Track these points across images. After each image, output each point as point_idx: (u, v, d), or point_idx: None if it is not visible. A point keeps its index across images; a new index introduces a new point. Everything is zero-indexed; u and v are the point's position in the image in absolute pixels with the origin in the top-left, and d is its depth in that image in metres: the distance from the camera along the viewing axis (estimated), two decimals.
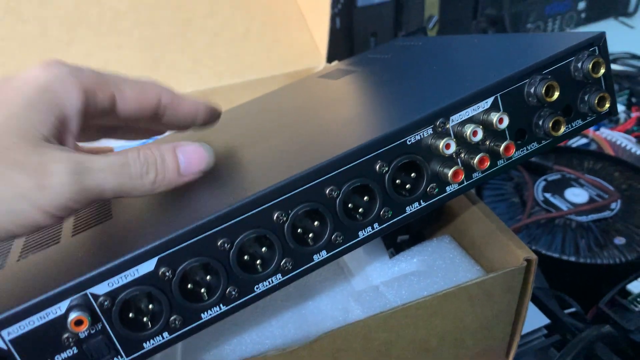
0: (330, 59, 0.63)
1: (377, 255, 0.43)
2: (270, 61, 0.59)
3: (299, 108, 0.40)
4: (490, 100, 0.30)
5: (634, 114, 0.79)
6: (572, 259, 0.57)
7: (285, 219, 0.27)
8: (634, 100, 0.83)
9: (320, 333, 0.33)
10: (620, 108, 0.80)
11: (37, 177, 0.24)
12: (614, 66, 0.89)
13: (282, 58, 0.59)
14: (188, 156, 0.29)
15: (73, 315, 0.24)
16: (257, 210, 0.27)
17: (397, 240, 0.45)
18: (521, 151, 0.31)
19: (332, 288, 0.42)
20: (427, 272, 0.39)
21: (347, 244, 0.29)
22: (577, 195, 0.64)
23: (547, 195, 0.65)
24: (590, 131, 0.75)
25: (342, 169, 0.28)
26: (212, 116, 0.36)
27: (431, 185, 0.30)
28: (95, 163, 0.26)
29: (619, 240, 0.59)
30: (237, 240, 0.26)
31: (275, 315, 0.41)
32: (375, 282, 0.41)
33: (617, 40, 1.02)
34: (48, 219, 0.25)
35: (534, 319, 0.45)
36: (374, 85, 0.40)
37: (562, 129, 0.31)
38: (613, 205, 0.62)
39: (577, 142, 0.76)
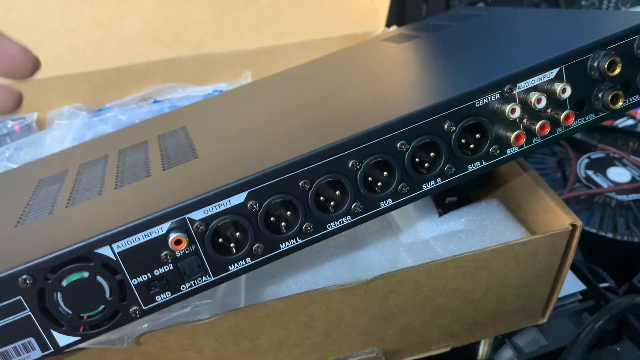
0: (389, 24, 0.65)
1: (426, 212, 0.45)
2: (331, 23, 0.61)
3: (367, 69, 0.42)
4: (555, 71, 0.32)
5: None
6: (610, 235, 0.59)
7: (359, 167, 0.30)
8: None
9: (368, 278, 0.36)
10: None
11: None
12: None
13: (342, 20, 0.61)
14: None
15: (174, 235, 0.28)
16: (335, 156, 0.29)
17: (445, 201, 0.48)
18: (579, 121, 0.33)
19: (381, 240, 0.46)
20: (475, 231, 0.42)
21: (412, 195, 0.32)
22: (619, 174, 0.66)
23: (589, 172, 0.66)
24: (638, 112, 0.76)
25: (414, 125, 0.30)
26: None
27: (493, 146, 0.32)
28: None
29: None
30: (316, 182, 0.30)
31: (328, 260, 0.44)
32: (424, 237, 0.43)
33: None
34: None
35: (571, 284, 0.48)
36: (439, 50, 0.42)
37: (620, 103, 0.33)
38: None
39: (623, 122, 0.77)
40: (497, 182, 0.46)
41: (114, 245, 0.28)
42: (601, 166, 0.67)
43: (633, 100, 0.34)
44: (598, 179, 0.65)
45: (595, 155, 0.69)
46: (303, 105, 0.38)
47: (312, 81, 0.43)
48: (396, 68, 0.40)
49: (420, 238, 0.44)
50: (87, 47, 0.58)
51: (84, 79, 0.58)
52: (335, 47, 0.60)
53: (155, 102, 0.57)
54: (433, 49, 0.42)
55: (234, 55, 0.59)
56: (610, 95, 0.33)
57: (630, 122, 0.77)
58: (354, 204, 0.31)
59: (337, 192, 0.31)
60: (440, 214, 0.46)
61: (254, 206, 0.29)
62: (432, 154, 0.32)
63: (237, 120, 0.40)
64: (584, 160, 0.68)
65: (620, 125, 0.76)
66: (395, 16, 0.92)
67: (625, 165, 0.67)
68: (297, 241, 0.31)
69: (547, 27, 0.38)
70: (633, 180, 0.65)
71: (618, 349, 0.42)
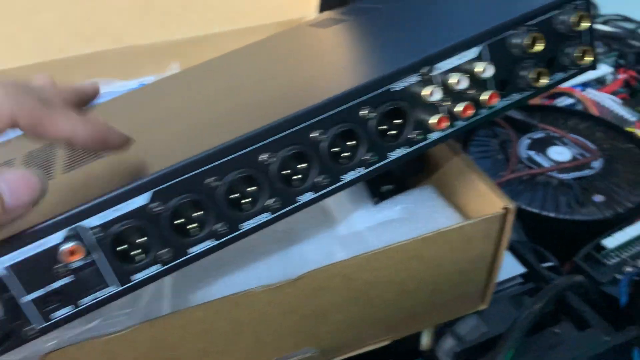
0: (324, 8, 0.63)
1: (361, 202, 0.44)
2: (262, 9, 0.59)
3: (288, 56, 0.40)
4: (475, 50, 0.31)
5: (620, 76, 0.79)
6: (552, 214, 0.59)
7: (272, 160, 0.28)
8: (622, 62, 0.83)
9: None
10: (608, 69, 0.81)
11: None
12: (604, 27, 0.89)
13: (274, 6, 0.59)
14: (13, 186, 0.24)
15: (67, 246, 0.25)
16: (246, 150, 0.27)
17: (382, 190, 0.46)
18: (504, 101, 0.32)
19: (318, 233, 0.44)
20: (409, 218, 0.41)
21: (333, 187, 0.30)
22: (560, 153, 0.66)
23: (531, 152, 0.66)
24: (577, 91, 0.76)
25: (328, 114, 0.29)
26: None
27: (416, 132, 0.31)
28: None
29: (598, 198, 0.61)
30: (226, 178, 0.27)
31: (262, 258, 0.42)
32: (359, 228, 0.42)
33: (609, 2, 1.02)
34: None
35: (511, 267, 0.47)
36: (364, 34, 0.40)
37: (544, 81, 0.32)
38: (594, 164, 0.64)
39: (563, 102, 0.77)
40: (432, 167, 0.45)
41: (3, 259, 0.25)
42: (542, 146, 0.67)
43: (558, 77, 0.33)
44: (540, 158, 0.65)
45: (536, 135, 0.69)
46: (217, 97, 0.35)
47: (229, 72, 0.41)
48: (317, 54, 0.38)
49: (356, 229, 0.42)
50: None
51: None
52: (268, 34, 0.58)
53: None
54: (358, 32, 0.41)
55: (160, 46, 0.56)
56: (534, 73, 0.32)
57: (570, 101, 0.77)
58: (271, 200, 0.29)
59: (252, 188, 0.29)
60: (377, 203, 0.45)
61: (159, 208, 0.27)
62: (352, 142, 0.30)
63: (151, 114, 0.38)
64: (525, 141, 0.68)
65: (561, 105, 0.77)
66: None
67: (565, 144, 0.67)
68: (210, 244, 0.28)
69: (472, 4, 0.37)
70: (573, 158, 0.65)
71: (558, 330, 0.42)
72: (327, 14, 0.51)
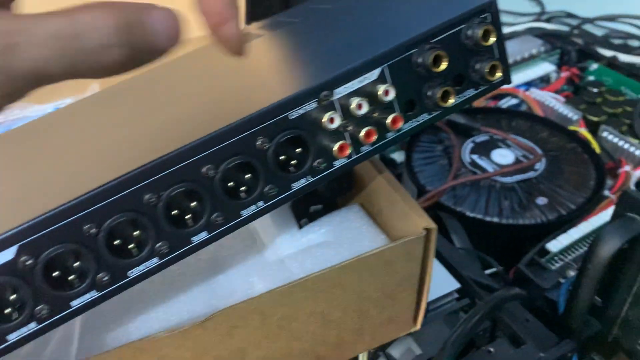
0: (260, 16, 0.60)
1: (286, 227, 0.42)
2: (186, 23, 0.56)
3: (191, 79, 0.38)
4: (376, 72, 0.29)
5: (563, 74, 0.79)
6: (495, 219, 0.58)
7: (156, 201, 0.26)
8: (566, 59, 0.83)
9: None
10: (551, 67, 0.81)
11: None
12: (547, 25, 0.89)
13: (197, 20, 0.56)
14: (167, 19, 0.22)
15: None
16: (124, 192, 0.25)
17: (310, 210, 0.45)
18: (410, 123, 0.31)
19: (244, 261, 0.42)
20: (333, 242, 0.39)
21: (230, 224, 0.28)
22: (503, 156, 0.65)
23: (474, 156, 0.65)
24: (521, 92, 0.76)
25: (219, 147, 0.27)
26: None
27: (318, 160, 0.29)
28: (24, 34, 0.18)
29: (542, 201, 0.60)
30: (104, 225, 0.25)
31: (184, 291, 0.40)
32: (282, 255, 0.40)
33: None
34: None
35: (446, 283, 0.46)
36: (274, 53, 0.38)
37: (452, 100, 0.30)
38: (537, 166, 0.63)
39: (507, 102, 0.76)
40: (359, 185, 0.43)
41: None
42: (485, 149, 0.66)
43: (468, 94, 0.32)
44: (483, 162, 0.64)
45: (479, 138, 0.68)
46: (105, 128, 0.33)
47: (128, 98, 0.38)
48: (220, 77, 0.36)
49: (279, 256, 0.40)
50: None
51: None
52: (191, 49, 0.56)
53: None
54: (269, 51, 0.39)
55: None
56: (440, 93, 0.30)
57: (515, 101, 0.77)
58: (159, 244, 0.27)
59: (137, 232, 0.26)
60: (305, 224, 0.43)
61: (29, 262, 0.24)
62: (248, 175, 0.28)
63: (39, 147, 0.35)
64: (469, 145, 0.67)
65: (505, 106, 0.76)
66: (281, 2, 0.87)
67: (508, 147, 0.66)
68: (93, 295, 0.26)
69: (378, 20, 0.35)
70: (516, 161, 0.64)
71: (492, 349, 0.41)
72: (246, 28, 0.49)
